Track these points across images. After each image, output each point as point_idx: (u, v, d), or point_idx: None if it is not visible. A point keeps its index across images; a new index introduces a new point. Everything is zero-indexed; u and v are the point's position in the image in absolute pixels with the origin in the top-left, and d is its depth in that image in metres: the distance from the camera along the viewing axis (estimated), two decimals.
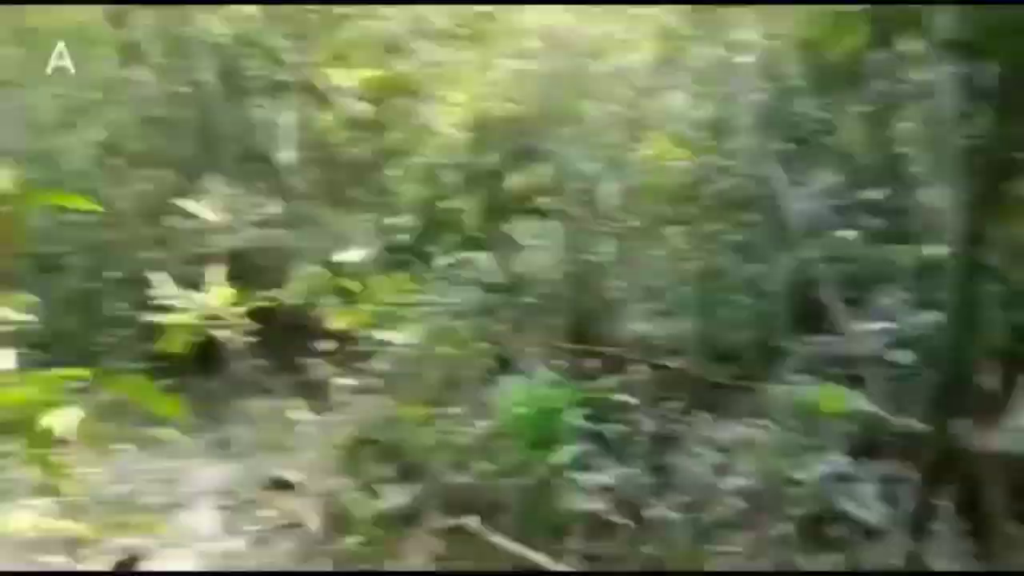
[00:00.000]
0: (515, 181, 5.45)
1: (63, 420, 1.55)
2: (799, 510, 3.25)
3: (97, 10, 9.22)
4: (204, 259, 7.38)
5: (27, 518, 2.21)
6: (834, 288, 4.55)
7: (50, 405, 1.57)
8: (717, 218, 5.68)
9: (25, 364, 1.95)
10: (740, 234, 5.51)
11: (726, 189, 5.64)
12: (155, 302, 4.18)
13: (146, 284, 4.93)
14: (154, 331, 4.02)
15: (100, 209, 6.30)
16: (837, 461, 3.24)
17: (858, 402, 3.20)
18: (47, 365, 1.84)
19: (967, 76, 3.38)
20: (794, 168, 5.38)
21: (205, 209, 5.07)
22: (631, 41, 5.50)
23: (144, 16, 8.63)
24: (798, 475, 3.23)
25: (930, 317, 3.70)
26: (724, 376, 4.64)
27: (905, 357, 3.72)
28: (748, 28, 5.34)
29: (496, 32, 7.16)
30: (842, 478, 3.20)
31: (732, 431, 3.84)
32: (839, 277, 4.68)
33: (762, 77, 5.43)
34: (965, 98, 3.40)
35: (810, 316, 5.00)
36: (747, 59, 5.28)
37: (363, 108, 9.17)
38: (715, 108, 5.62)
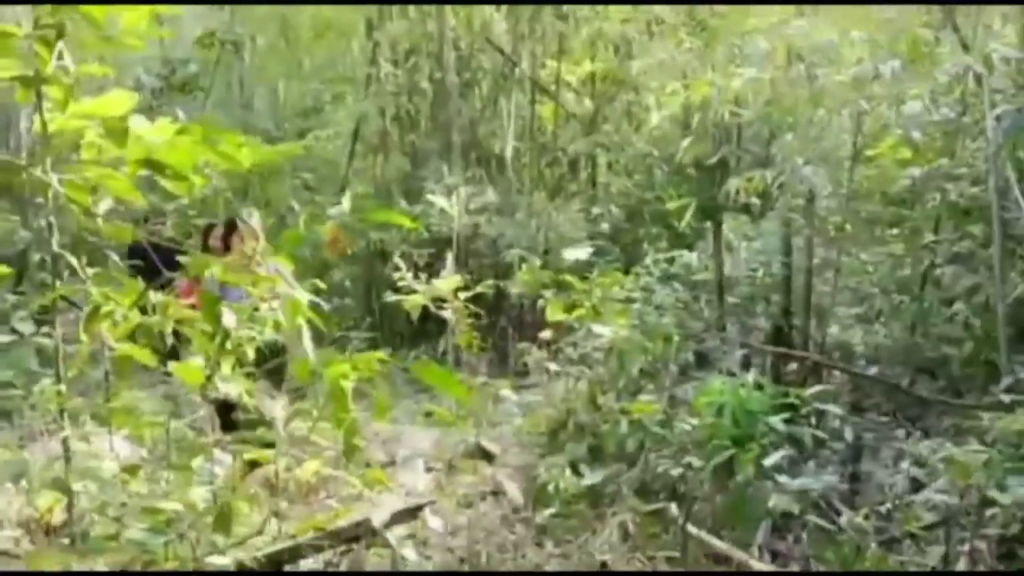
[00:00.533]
0: (733, 181, 5.52)
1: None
2: (995, 530, 3.20)
3: (356, 12, 10.21)
4: (435, 243, 8.11)
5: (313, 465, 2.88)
6: None
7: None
8: (942, 226, 5.47)
9: None
10: (965, 244, 5.28)
11: (956, 197, 5.42)
12: (395, 283, 4.71)
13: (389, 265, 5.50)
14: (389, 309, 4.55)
15: (420, 228, 7.23)
16: None
17: None
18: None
19: None
20: None
21: (441, 197, 5.58)
22: (872, 45, 5.35)
23: (398, 18, 9.42)
24: (998, 496, 3.17)
25: None
26: (931, 390, 4.52)
27: None
28: (997, 36, 5.09)
29: (727, 31, 7.19)
30: None
31: (933, 445, 3.78)
32: None
33: (1010, 84, 5.15)
34: None
35: None
36: (995, 66, 5.03)
37: (585, 103, 9.52)
38: (955, 114, 5.39)
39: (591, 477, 4.30)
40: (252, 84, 13.55)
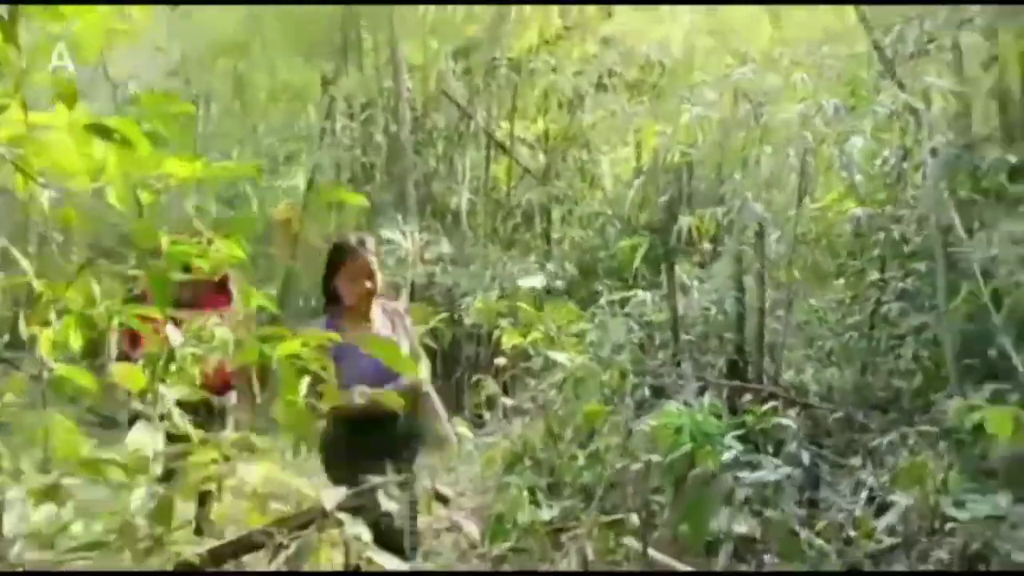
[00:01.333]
0: (684, 219, 5.63)
1: None
2: (953, 549, 3.18)
3: (313, 71, 10.35)
4: (390, 286, 8.05)
5: None
6: (1012, 338, 4.39)
7: None
8: (887, 265, 5.60)
9: None
10: (911, 283, 5.40)
11: (899, 238, 5.57)
12: None
13: None
14: None
15: (367, 203, 7.07)
16: (999, 501, 3.14)
17: None
18: None
19: None
20: (977, 217, 5.25)
21: (397, 234, 5.57)
22: (815, 86, 5.56)
23: (354, 72, 9.56)
24: (956, 513, 3.16)
25: None
26: (883, 423, 4.56)
27: None
28: (937, 76, 5.31)
29: (674, 85, 7.43)
30: (1003, 519, 3.10)
31: (888, 469, 3.78)
32: (1016, 328, 4.51)
33: (948, 125, 5.36)
34: None
35: (984, 368, 4.84)
36: (934, 106, 5.24)
37: (540, 158, 9.68)
38: (896, 155, 5.59)
39: (549, 512, 4.23)
40: (207, 148, 13.54)
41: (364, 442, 3.25)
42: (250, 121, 13.24)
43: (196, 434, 2.62)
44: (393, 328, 3.46)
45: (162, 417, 2.89)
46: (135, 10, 2.08)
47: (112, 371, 2.60)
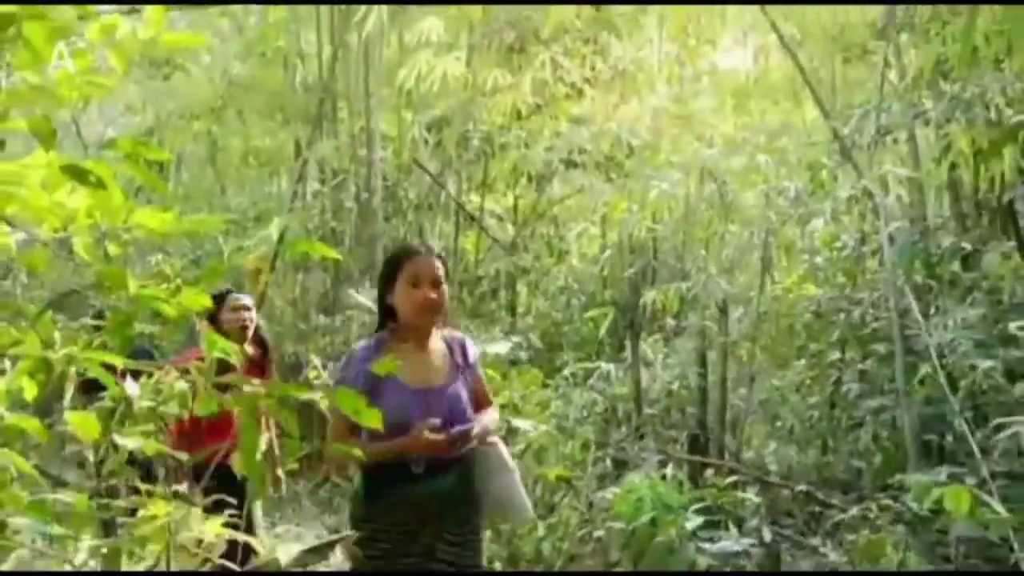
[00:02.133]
0: (649, 298, 5.71)
1: None
2: None
3: (287, 136, 10.47)
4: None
5: None
6: (966, 420, 4.46)
7: None
8: (847, 347, 5.70)
9: None
10: (870, 364, 5.50)
11: (858, 320, 5.69)
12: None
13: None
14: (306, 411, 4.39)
15: (340, 258, 6.89)
16: None
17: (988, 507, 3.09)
18: None
19: None
20: (933, 302, 5.39)
21: (366, 300, 5.56)
22: (777, 169, 5.74)
23: (326, 141, 9.67)
24: None
25: None
26: (843, 502, 4.57)
27: None
28: (894, 164, 5.52)
29: (641, 163, 7.63)
30: None
31: (847, 549, 3.78)
32: (972, 410, 4.59)
33: (905, 211, 5.55)
34: None
35: (942, 450, 4.91)
36: (892, 192, 5.43)
37: (508, 229, 9.80)
38: (855, 239, 5.76)
39: None
40: (178, 210, 13.46)
41: (399, 497, 2.58)
42: (221, 183, 13.27)
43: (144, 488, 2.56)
44: (457, 370, 2.73)
45: (112, 473, 2.82)
46: (115, 62, 2.10)
47: (67, 419, 2.54)
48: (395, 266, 2.70)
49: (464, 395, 2.69)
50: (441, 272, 2.67)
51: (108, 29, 2.08)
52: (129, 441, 2.59)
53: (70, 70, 1.97)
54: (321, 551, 2.76)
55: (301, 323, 9.21)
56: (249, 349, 3.96)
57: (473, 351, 2.80)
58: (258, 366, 4.02)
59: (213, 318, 3.88)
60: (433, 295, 2.63)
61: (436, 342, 2.73)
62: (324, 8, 9.40)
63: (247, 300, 4.11)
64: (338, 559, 3.13)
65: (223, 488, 3.99)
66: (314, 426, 3.01)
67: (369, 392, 2.37)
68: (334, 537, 3.03)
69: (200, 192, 13.28)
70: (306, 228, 9.52)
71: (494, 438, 2.72)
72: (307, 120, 10.19)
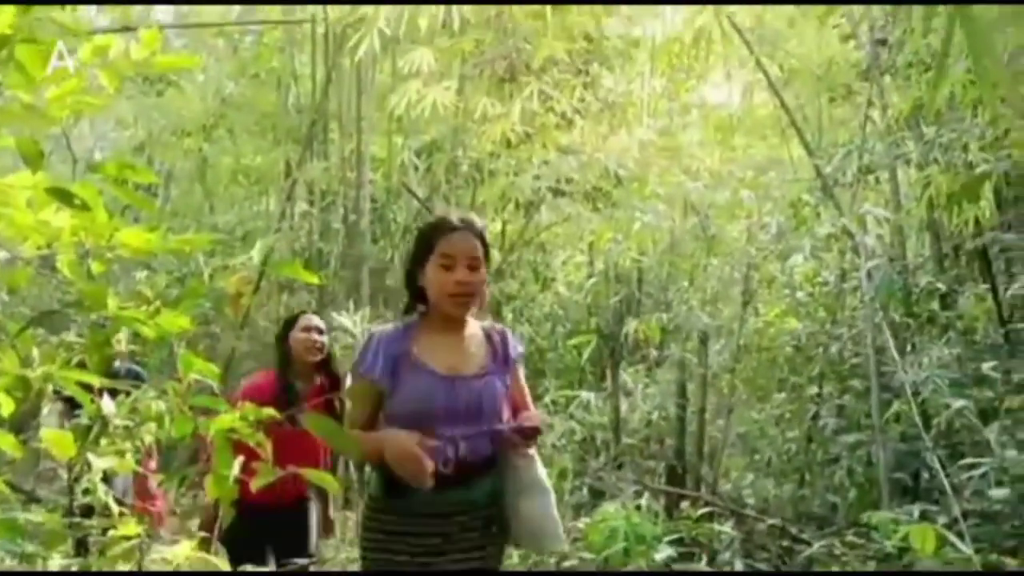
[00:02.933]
0: (631, 327, 5.76)
1: None
2: None
3: (278, 156, 10.54)
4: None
5: None
6: (939, 459, 4.51)
7: None
8: (825, 382, 5.75)
9: None
10: (847, 400, 5.55)
11: (837, 355, 5.75)
12: None
13: None
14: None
15: (322, 282, 6.85)
16: None
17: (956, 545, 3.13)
18: None
19: None
20: (910, 340, 5.46)
21: (348, 322, 5.58)
22: (759, 204, 5.81)
23: (316, 162, 9.74)
24: None
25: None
26: (817, 537, 4.60)
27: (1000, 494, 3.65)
28: (874, 204, 5.61)
29: (628, 193, 7.72)
30: None
31: None
32: (946, 448, 4.64)
33: (885, 249, 5.64)
34: None
35: (916, 487, 4.95)
36: (872, 230, 5.52)
37: (494, 256, 9.85)
38: (835, 275, 5.84)
39: None
40: (165, 227, 13.45)
41: (422, 504, 2.22)
42: (210, 201, 13.30)
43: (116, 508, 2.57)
44: (494, 361, 2.36)
45: (86, 491, 2.82)
46: (107, 82, 2.13)
47: (42, 435, 2.55)
48: (427, 243, 2.32)
49: (499, 390, 2.33)
50: (480, 252, 2.30)
51: (100, 50, 2.12)
52: (103, 460, 2.61)
53: (62, 89, 2.00)
54: None
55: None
56: (318, 378, 3.65)
57: (516, 346, 2.46)
58: (326, 399, 3.51)
59: (284, 338, 3.66)
60: (468, 278, 2.27)
61: (473, 328, 2.40)
62: (319, 30, 9.49)
63: (319, 323, 3.73)
64: (340, 559, 3.13)
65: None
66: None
67: (392, 376, 2.23)
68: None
69: (188, 209, 13.30)
70: (293, 249, 9.56)
71: (532, 450, 2.34)
72: (298, 141, 10.27)
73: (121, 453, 2.58)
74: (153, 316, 2.03)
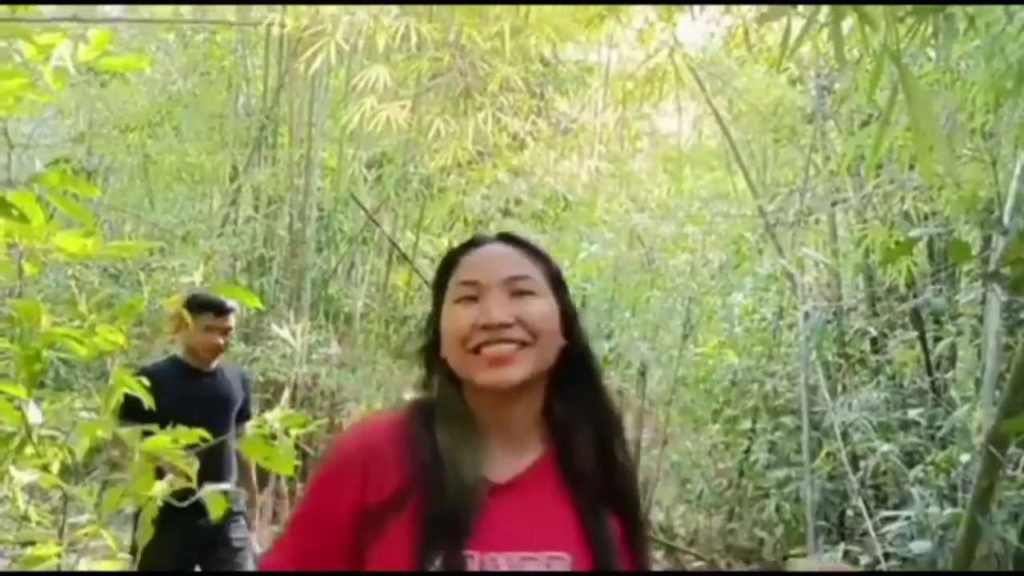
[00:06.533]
0: None
1: None
2: None
3: (223, 157, 10.34)
4: (270, 386, 7.86)
5: None
6: (864, 500, 4.63)
7: None
8: (758, 417, 5.86)
9: None
10: (778, 436, 5.66)
11: (771, 391, 5.87)
12: None
13: None
14: None
15: (263, 307, 6.72)
16: None
17: None
18: None
19: (1012, 304, 3.64)
20: (841, 380, 5.61)
21: (285, 331, 5.49)
22: (702, 241, 5.91)
23: (263, 167, 9.59)
24: None
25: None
26: (742, 571, 4.67)
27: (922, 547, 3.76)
28: (814, 246, 5.76)
29: (575, 218, 7.78)
30: None
31: None
32: (872, 489, 4.77)
33: (822, 290, 5.79)
34: (1010, 325, 3.65)
35: (841, 527, 5.07)
36: (810, 272, 5.66)
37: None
38: (773, 313, 5.96)
39: None
40: (101, 220, 13.11)
41: None
42: (151, 198, 12.96)
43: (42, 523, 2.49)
44: None
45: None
46: (51, 80, 2.08)
47: None
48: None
49: None
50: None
51: (45, 49, 2.07)
52: (24, 474, 2.51)
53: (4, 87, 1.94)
54: None
55: None
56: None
57: None
58: None
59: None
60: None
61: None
62: (274, 31, 9.39)
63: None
64: None
65: None
66: None
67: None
68: None
69: (128, 204, 12.94)
70: (235, 253, 9.39)
71: None
72: (246, 143, 10.09)
73: (46, 467, 2.49)
74: (88, 335, 1.98)
